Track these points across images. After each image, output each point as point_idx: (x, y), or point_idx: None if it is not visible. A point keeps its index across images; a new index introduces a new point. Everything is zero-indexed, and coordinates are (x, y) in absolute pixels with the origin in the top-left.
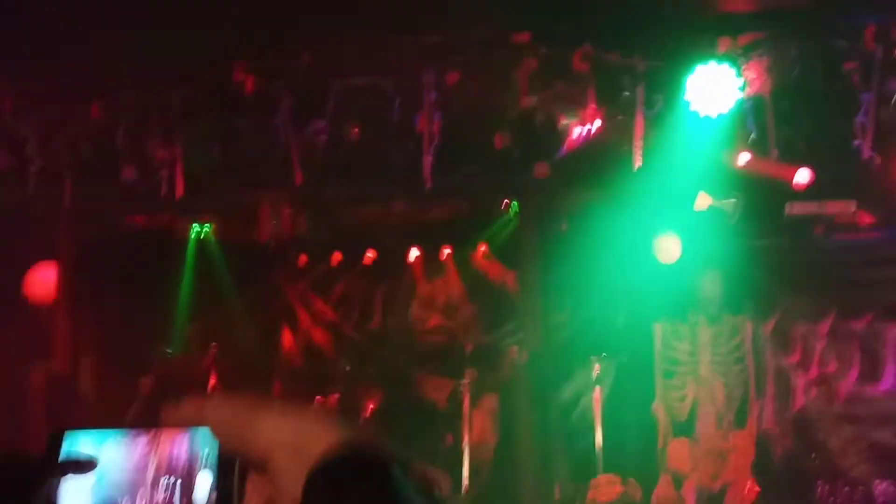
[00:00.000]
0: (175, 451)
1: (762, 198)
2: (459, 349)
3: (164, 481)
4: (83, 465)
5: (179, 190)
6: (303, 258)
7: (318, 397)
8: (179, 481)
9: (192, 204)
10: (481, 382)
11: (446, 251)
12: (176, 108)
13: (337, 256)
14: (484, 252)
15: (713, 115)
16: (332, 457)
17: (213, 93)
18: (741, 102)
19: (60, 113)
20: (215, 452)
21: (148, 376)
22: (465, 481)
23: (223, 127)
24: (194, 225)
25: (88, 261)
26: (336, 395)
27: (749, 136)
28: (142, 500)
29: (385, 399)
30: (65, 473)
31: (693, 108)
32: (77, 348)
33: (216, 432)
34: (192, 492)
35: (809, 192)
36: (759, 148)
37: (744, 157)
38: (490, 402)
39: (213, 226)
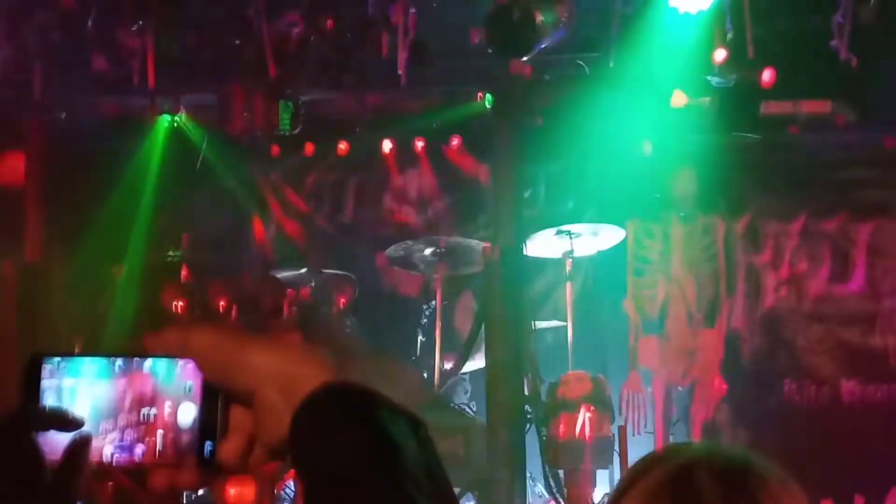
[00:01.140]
0: (155, 382)
1: (737, 96)
2: (432, 243)
3: (144, 411)
4: (69, 423)
5: (151, 79)
6: (275, 149)
7: (289, 290)
8: (161, 410)
9: (164, 93)
10: (453, 277)
11: (419, 143)
12: None
13: (309, 148)
14: (457, 145)
15: (692, 11)
16: (320, 394)
17: None
18: (719, 1)
19: (28, 1)
20: (199, 384)
21: (120, 265)
22: (437, 376)
23: (196, 16)
24: (165, 115)
25: (58, 149)
26: (307, 289)
27: (726, 35)
28: (121, 423)
29: (357, 293)
30: (49, 427)
31: (671, 4)
32: (48, 238)
33: (201, 363)
34: (175, 421)
35: (784, 91)
36: (735, 47)
37: (720, 56)
38: (463, 296)
39: (185, 116)
